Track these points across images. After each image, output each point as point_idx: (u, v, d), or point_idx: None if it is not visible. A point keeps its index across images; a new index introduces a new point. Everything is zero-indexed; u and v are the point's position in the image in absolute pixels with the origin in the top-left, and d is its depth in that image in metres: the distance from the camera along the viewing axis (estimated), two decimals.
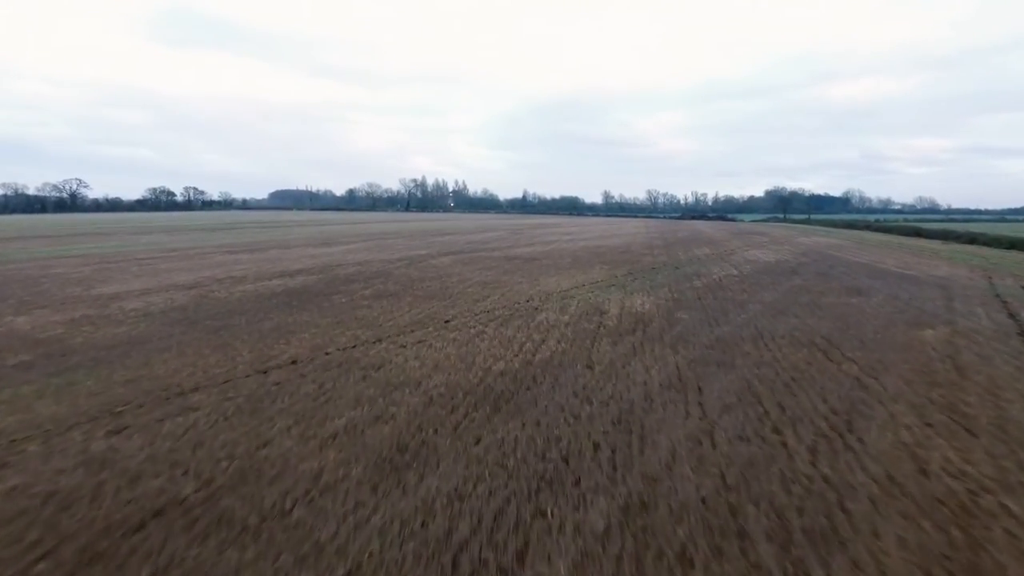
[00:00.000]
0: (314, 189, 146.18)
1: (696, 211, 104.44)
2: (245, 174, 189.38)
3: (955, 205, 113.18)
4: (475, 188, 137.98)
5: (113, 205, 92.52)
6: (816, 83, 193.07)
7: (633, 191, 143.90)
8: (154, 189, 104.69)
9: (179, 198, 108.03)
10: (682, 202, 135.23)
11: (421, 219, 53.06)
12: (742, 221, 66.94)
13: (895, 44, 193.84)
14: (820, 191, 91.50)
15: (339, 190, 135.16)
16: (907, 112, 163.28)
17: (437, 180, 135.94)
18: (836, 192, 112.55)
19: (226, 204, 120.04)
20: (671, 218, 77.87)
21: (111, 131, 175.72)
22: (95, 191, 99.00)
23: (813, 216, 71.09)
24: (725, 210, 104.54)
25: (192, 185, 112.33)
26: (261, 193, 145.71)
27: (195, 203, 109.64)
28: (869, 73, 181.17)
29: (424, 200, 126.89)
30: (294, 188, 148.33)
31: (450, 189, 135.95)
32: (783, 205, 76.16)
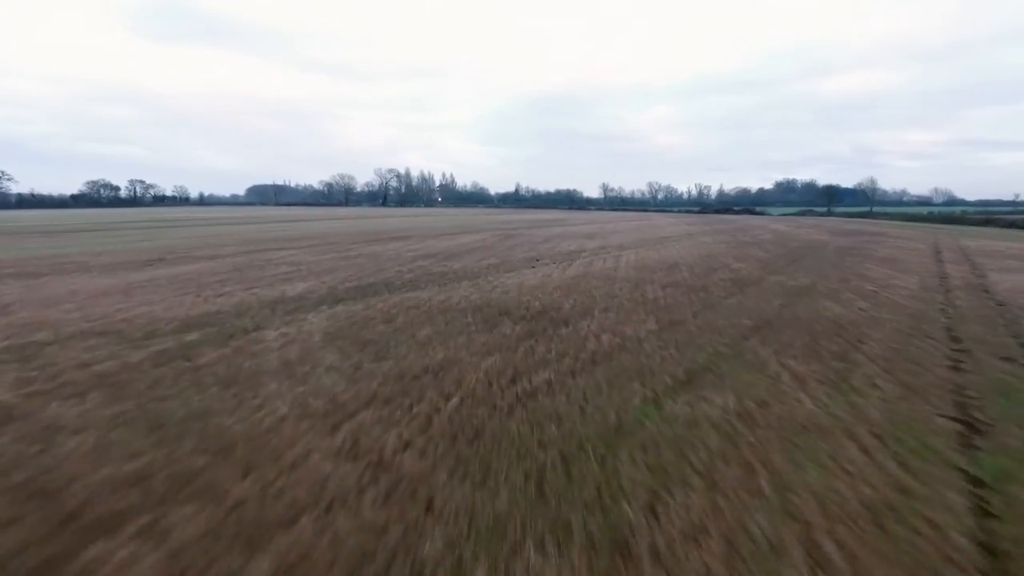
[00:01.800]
0: (293, 184, 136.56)
1: (702, 204, 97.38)
2: (234, 170, 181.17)
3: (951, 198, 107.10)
4: (465, 182, 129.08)
5: (40, 201, 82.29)
6: (808, 77, 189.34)
7: (629, 185, 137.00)
8: (94, 183, 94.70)
9: (124, 193, 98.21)
10: (685, 196, 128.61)
11: (390, 214, 43.66)
12: (770, 215, 58.34)
13: (886, 37, 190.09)
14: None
15: (321, 185, 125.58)
16: (897, 106, 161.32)
17: (423, 172, 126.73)
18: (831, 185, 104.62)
19: (182, 200, 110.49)
20: (689, 212, 69.18)
21: (98, 128, 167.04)
22: (21, 185, 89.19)
23: (835, 209, 62.47)
24: (737, 203, 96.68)
25: (139, 178, 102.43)
26: (243, 189, 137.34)
27: (143, 199, 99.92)
28: (860, 67, 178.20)
29: (408, 194, 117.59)
30: (271, 183, 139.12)
31: (436, 183, 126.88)
32: (827, 197, 67.45)
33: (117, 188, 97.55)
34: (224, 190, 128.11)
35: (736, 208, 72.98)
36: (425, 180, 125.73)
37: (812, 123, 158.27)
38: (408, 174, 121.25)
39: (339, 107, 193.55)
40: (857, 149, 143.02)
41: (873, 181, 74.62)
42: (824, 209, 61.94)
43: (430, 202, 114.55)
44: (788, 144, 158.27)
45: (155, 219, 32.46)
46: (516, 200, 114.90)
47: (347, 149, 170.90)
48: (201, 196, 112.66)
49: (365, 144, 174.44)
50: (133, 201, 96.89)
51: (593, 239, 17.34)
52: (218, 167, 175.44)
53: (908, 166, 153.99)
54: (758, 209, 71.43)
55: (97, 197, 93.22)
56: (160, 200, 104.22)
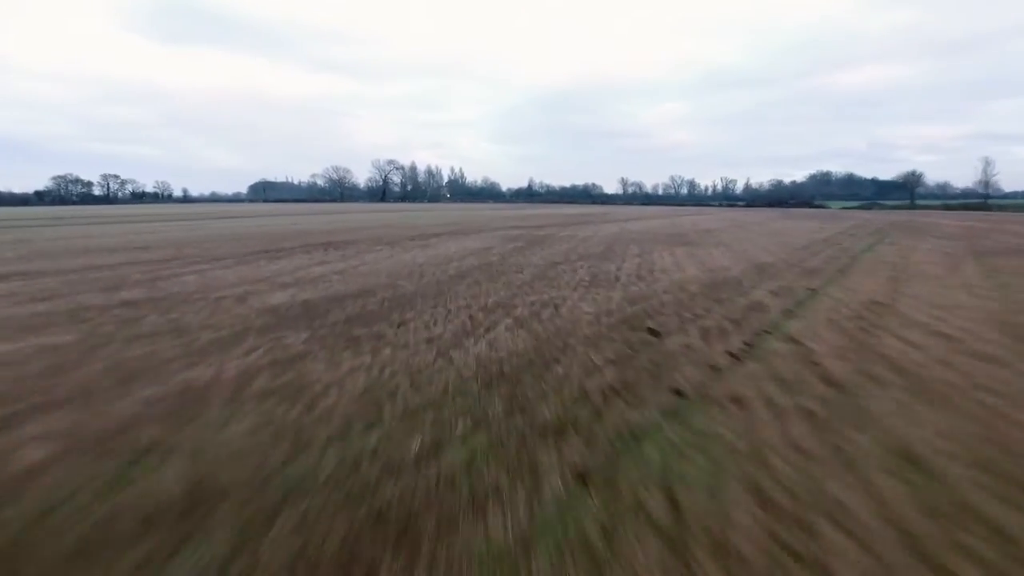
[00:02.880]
0: (295, 181, 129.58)
1: (730, 198, 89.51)
2: (243, 169, 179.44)
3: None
4: (475, 178, 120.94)
5: None
6: (820, 72, 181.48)
7: (646, 181, 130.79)
8: (62, 177, 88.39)
9: (97, 189, 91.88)
10: (708, 191, 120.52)
11: (369, 210, 35.29)
12: (829, 208, 49.65)
13: (901, 29, 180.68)
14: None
15: (323, 182, 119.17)
16: (913, 100, 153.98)
17: (429, 167, 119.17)
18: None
19: (164, 197, 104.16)
20: (733, 206, 60.87)
21: (111, 129, 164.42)
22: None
23: (879, 201, 53.20)
24: (773, 196, 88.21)
25: (113, 173, 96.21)
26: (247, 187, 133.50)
27: (118, 196, 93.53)
28: (874, 61, 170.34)
29: (414, 190, 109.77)
30: (272, 180, 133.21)
31: (445, 178, 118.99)
32: (909, 189, 58.10)
33: (89, 184, 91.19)
34: (231, 189, 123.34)
35: (791, 201, 64.12)
36: (432, 175, 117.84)
37: (826, 118, 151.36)
38: (413, 168, 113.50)
39: (350, 105, 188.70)
40: (873, 144, 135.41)
41: (989, 163, 55.92)
42: (905, 201, 52.85)
43: (435, 197, 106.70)
44: (802, 139, 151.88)
45: (51, 217, 24.87)
46: (529, 195, 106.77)
47: (357, 147, 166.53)
48: (185, 193, 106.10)
49: (376, 142, 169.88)
50: (107, 198, 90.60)
51: (696, 246, 9.07)
52: (228, 166, 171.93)
53: (925, 160, 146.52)
54: (816, 202, 62.43)
55: (65, 194, 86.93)
56: (139, 197, 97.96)
